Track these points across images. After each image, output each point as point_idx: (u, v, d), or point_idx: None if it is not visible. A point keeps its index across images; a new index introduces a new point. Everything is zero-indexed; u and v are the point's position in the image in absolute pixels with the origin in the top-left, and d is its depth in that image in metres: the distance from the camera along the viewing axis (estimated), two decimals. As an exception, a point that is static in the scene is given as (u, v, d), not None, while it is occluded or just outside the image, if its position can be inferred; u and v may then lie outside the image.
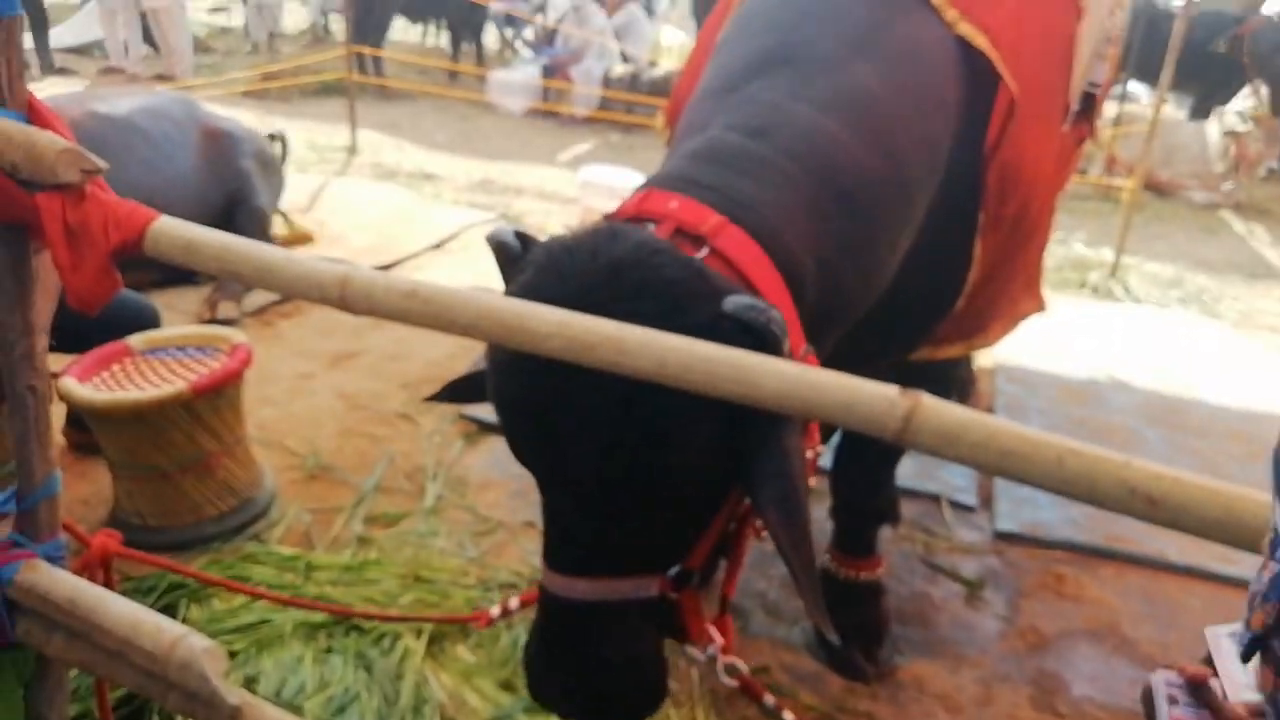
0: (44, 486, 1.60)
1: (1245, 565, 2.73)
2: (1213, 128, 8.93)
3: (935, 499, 3.05)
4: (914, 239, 1.63)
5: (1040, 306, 2.12)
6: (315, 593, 2.32)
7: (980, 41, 1.59)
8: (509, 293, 1.27)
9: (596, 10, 9.51)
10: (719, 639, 1.46)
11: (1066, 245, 6.31)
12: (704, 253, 1.24)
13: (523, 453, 1.32)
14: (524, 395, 1.22)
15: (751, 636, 2.40)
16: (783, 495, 1.19)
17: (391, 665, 2.07)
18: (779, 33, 1.59)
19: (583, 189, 5.24)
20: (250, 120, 5.44)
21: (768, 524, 1.21)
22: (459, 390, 1.62)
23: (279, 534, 2.64)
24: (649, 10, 10.92)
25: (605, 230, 1.24)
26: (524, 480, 3.02)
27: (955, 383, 2.19)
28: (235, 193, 3.86)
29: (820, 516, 2.89)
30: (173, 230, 1.27)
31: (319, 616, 2.20)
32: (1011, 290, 1.96)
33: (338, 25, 11.57)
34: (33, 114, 1.33)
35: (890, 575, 2.53)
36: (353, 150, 7.01)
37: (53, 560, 1.61)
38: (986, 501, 3.10)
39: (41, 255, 1.43)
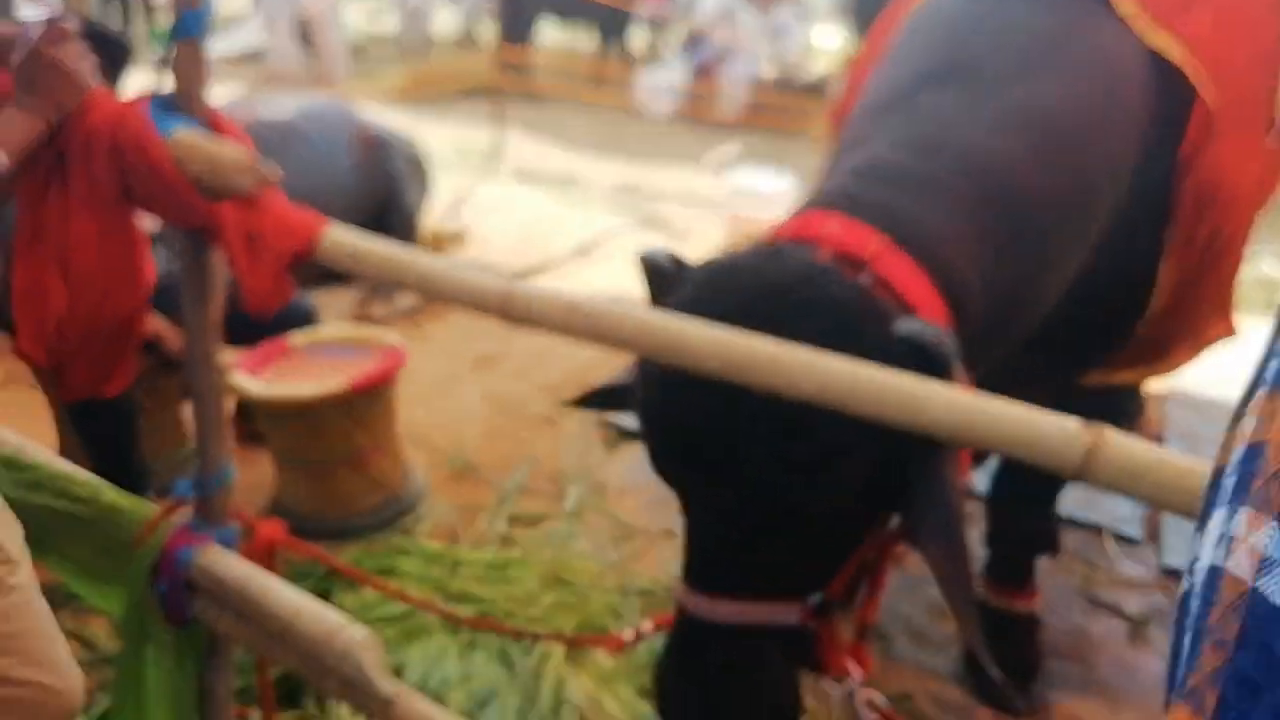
0: (220, 475, 1.70)
1: None
2: None
3: (1097, 530, 2.87)
4: (1092, 259, 1.54)
5: (1230, 332, 1.96)
6: (460, 588, 2.39)
7: (1175, 53, 1.48)
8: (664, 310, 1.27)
9: (747, 12, 9.45)
10: (857, 671, 1.41)
11: (1253, 262, 5.86)
12: (865, 276, 1.20)
13: (668, 468, 1.31)
14: (675, 411, 1.22)
15: (895, 661, 2.32)
16: (944, 526, 1.15)
17: (532, 665, 2.11)
18: (952, 45, 1.52)
19: (730, 194, 5.22)
20: (401, 123, 5.68)
21: (927, 555, 1.16)
22: (601, 398, 1.63)
23: (425, 529, 2.73)
24: (803, 10, 10.76)
25: (768, 251, 1.23)
26: (663, 489, 2.98)
27: (1126, 408, 2.06)
28: (387, 195, 4.03)
29: (972, 541, 2.78)
30: (342, 239, 1.33)
31: (464, 610, 2.27)
32: (1199, 314, 1.82)
33: (486, 28, 11.93)
34: (212, 123, 1.41)
35: (1047, 608, 2.40)
36: (498, 153, 7.21)
37: (226, 545, 1.72)
38: (1153, 534, 2.90)
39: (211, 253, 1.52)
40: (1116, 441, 0.85)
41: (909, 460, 1.15)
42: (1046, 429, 0.88)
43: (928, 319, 1.19)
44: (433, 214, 4.85)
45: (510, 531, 2.73)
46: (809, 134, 9.09)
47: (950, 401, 0.93)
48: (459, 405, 3.47)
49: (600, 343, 1.15)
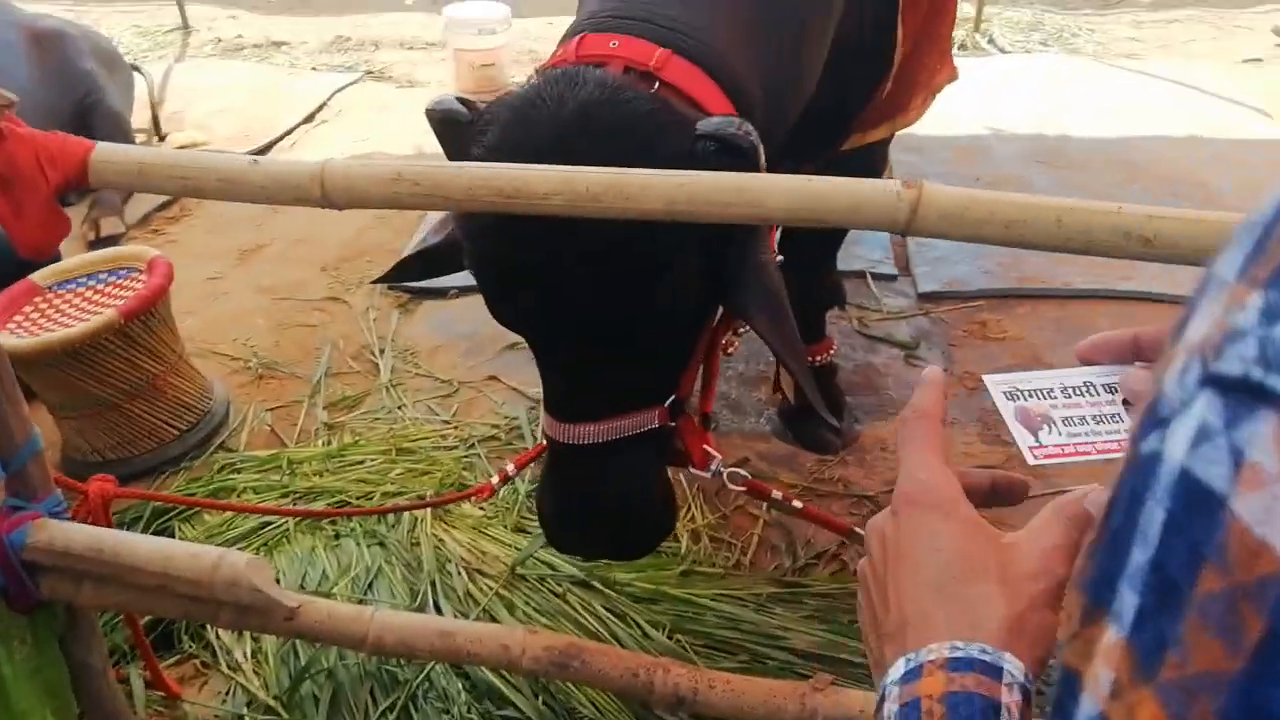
0: (27, 445, 1.57)
1: (1141, 280, 3.00)
2: None
3: (861, 274, 3.20)
4: (840, 32, 1.65)
5: (954, 75, 2.18)
6: (304, 486, 2.35)
7: None
8: (475, 157, 1.26)
9: None
10: (716, 454, 1.56)
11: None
12: (655, 87, 1.25)
13: (514, 313, 1.34)
14: (516, 255, 1.23)
15: (723, 435, 2.54)
16: (770, 305, 1.27)
17: (403, 536, 2.16)
18: None
19: (448, 30, 4.97)
20: (58, 10, 4.92)
21: (759, 328, 1.29)
22: (411, 267, 1.61)
23: (245, 439, 2.63)
24: None
25: (560, 77, 1.23)
26: (472, 338, 3.06)
27: (880, 163, 2.27)
28: (84, 98, 3.55)
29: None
30: (117, 157, 1.21)
31: (317, 505, 2.25)
32: (929, 64, 2.01)
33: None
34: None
35: (837, 353, 2.69)
36: (186, 28, 6.43)
37: (56, 515, 1.61)
38: (905, 268, 3.27)
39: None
40: (935, 193, 0.97)
41: (726, 250, 1.25)
42: (873, 194, 0.99)
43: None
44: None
45: (334, 418, 2.69)
46: None
47: (786, 189, 1.02)
48: (236, 305, 3.27)
49: (435, 207, 1.15)
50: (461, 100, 1.35)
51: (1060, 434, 0.58)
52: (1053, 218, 0.96)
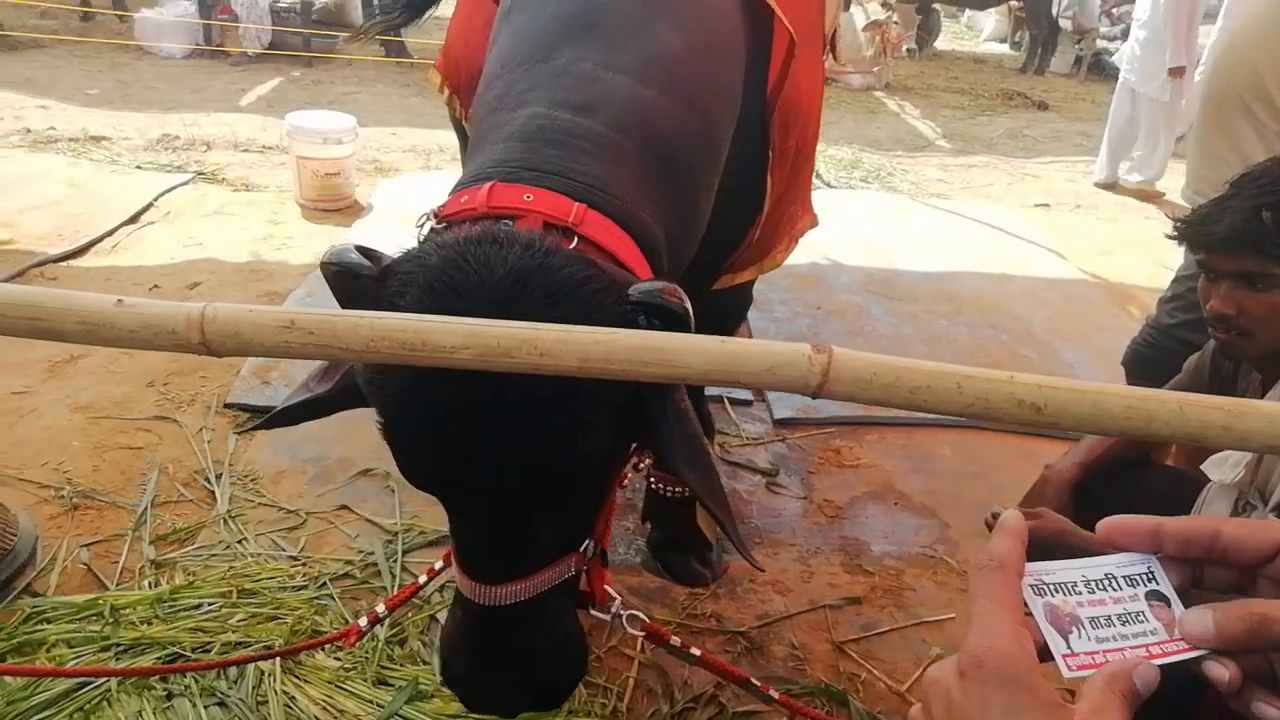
0: None
1: (974, 407, 3.21)
2: (858, 16, 9.85)
3: (719, 400, 3.27)
4: (719, 183, 1.72)
5: (815, 222, 2.31)
6: (129, 636, 2.11)
7: None
8: None
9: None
10: (616, 596, 1.52)
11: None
12: (574, 243, 1.24)
13: (430, 471, 1.25)
14: (433, 412, 1.15)
15: (590, 567, 2.49)
16: (693, 454, 1.26)
17: (248, 694, 1.95)
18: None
19: (291, 137, 4.86)
20: None
21: (686, 480, 1.28)
22: (294, 417, 1.48)
23: (56, 581, 2.34)
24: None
25: (483, 236, 1.17)
26: (320, 463, 2.89)
27: (744, 304, 2.35)
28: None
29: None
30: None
31: (145, 661, 2.02)
32: (792, 212, 2.12)
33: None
34: None
35: (702, 482, 2.71)
36: (-12, 118, 6.00)
37: None
38: (759, 393, 3.38)
39: None
40: (844, 357, 1.00)
41: (649, 403, 1.24)
42: (787, 357, 1.01)
43: (638, 272, 1.27)
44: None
45: (163, 554, 2.44)
46: (433, 85, 8.72)
47: (701, 349, 1.02)
48: (47, 425, 2.96)
49: (330, 358, 1.08)
50: (362, 250, 1.27)
51: (1090, 639, 0.58)
52: (953, 384, 1.00)
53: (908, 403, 1.01)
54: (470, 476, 1.19)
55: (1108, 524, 0.64)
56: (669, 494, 2.47)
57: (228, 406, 3.09)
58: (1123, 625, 0.59)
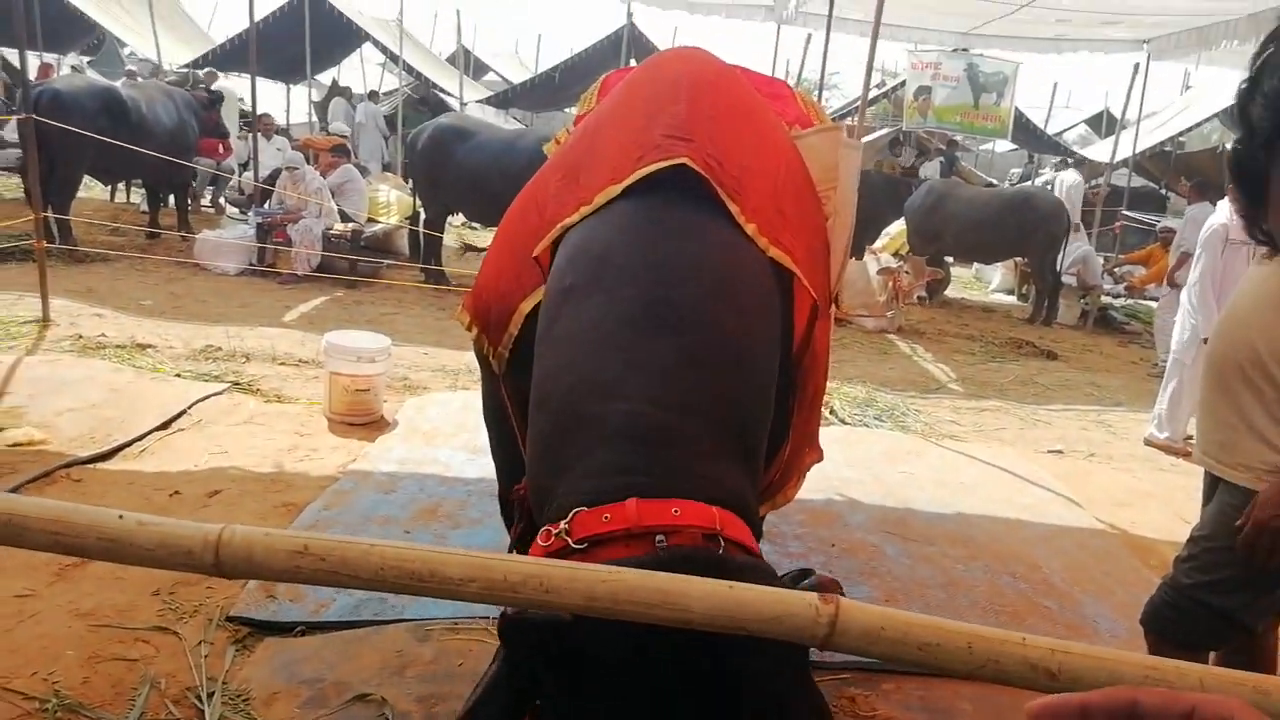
0: None
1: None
2: (871, 264, 10.40)
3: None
4: None
5: (820, 456, 2.36)
6: None
7: (787, 261, 1.78)
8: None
9: (311, 170, 9.43)
10: None
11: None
12: (721, 548, 1.29)
13: None
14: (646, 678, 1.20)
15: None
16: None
17: None
18: (641, 284, 1.58)
19: (327, 354, 5.07)
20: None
21: None
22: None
23: (26, 802, 2.23)
24: (362, 171, 10.99)
25: (678, 560, 1.22)
26: (316, 685, 2.81)
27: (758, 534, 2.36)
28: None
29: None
30: (-5, 500, 1.12)
31: None
32: (803, 449, 2.18)
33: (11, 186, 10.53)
34: None
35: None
36: (45, 322, 6.31)
37: None
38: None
39: None
40: (851, 609, 1.01)
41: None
42: (794, 607, 1.01)
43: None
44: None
45: (141, 779, 2.33)
46: (461, 324, 9.23)
47: (709, 593, 1.03)
48: (44, 631, 2.91)
49: (339, 584, 1.09)
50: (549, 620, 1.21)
51: None
52: (964, 644, 1.00)
53: (917, 660, 1.01)
54: None
55: (1036, 707, 0.65)
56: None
57: (230, 620, 3.04)
58: None
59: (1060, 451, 6.25)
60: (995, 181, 15.70)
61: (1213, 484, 2.51)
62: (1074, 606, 3.72)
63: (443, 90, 16.76)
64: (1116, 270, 12.30)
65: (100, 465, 4.22)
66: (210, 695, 2.66)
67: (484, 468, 2.77)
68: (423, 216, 9.83)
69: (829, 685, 3.01)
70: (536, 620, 1.17)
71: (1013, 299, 13.33)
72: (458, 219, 11.88)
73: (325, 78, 19.19)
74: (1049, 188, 11.30)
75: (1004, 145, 19.04)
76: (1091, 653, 0.99)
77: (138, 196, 12.21)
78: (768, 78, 3.00)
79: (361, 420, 5.09)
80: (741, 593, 1.04)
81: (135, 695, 2.64)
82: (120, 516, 1.11)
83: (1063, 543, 4.35)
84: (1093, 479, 5.62)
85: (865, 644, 1.00)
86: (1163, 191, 17.35)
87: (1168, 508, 5.00)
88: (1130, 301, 12.71)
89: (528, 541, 2.04)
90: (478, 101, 17.04)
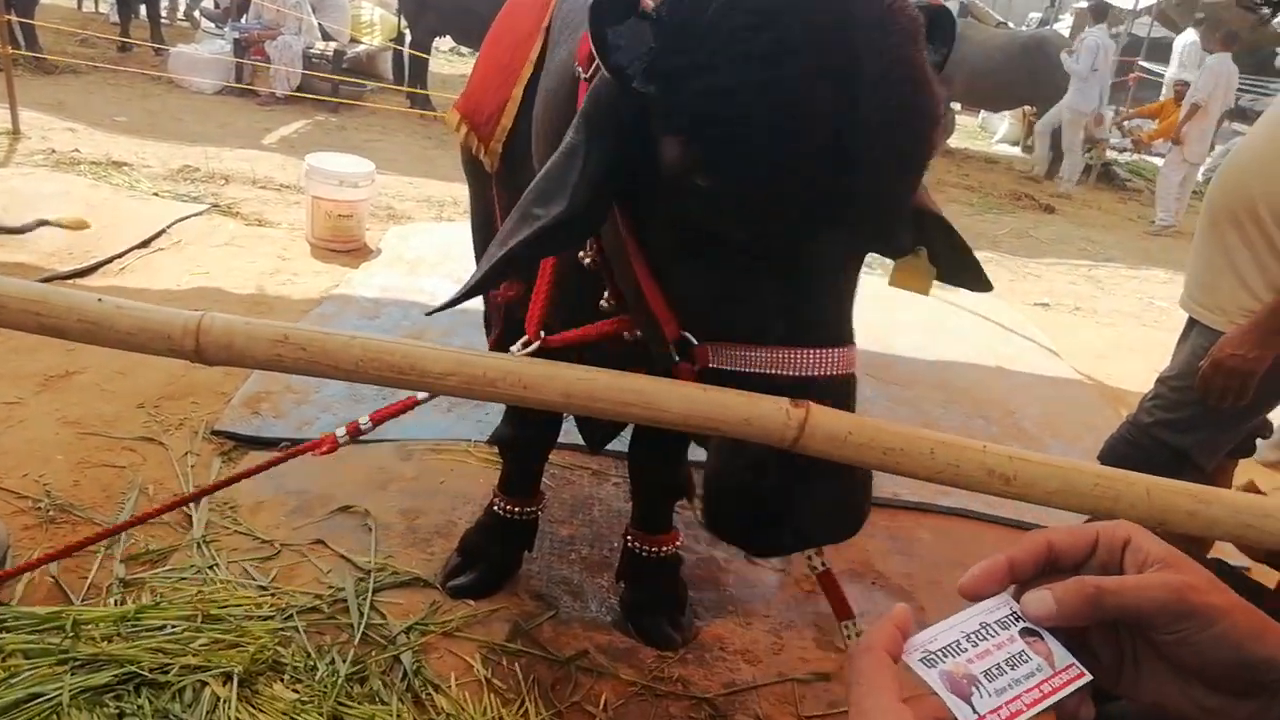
0: None
1: (959, 497, 3.21)
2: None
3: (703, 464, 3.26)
4: None
5: None
6: (88, 651, 2.08)
7: None
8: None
9: (291, -18, 8.94)
10: None
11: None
12: None
13: (810, 211, 1.08)
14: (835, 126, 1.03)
15: (563, 622, 2.47)
16: None
17: (201, 717, 1.92)
18: None
19: (309, 177, 4.95)
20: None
21: None
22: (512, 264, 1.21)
23: (21, 591, 2.32)
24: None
25: None
26: (301, 496, 2.89)
27: None
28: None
29: (609, 496, 3.02)
30: (-38, 280, 1.10)
31: (101, 677, 1.99)
32: None
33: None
34: None
35: (682, 545, 2.70)
36: (15, 134, 6.11)
37: None
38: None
39: None
40: (822, 414, 1.02)
41: None
42: (766, 411, 1.03)
43: None
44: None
45: (133, 574, 2.42)
46: (366, 111, 8.93)
47: (685, 396, 1.04)
48: (32, 436, 2.96)
49: (319, 374, 1.10)
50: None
51: (990, 694, 0.59)
52: (926, 449, 1.02)
53: (880, 463, 1.03)
54: (844, 193, 1.07)
55: (966, 581, 0.67)
56: (645, 554, 2.46)
57: (215, 434, 3.09)
58: (1012, 670, 0.61)
59: (1047, 304, 6.29)
60: (1010, 25, 15.06)
61: (1189, 329, 2.54)
62: (1041, 449, 3.82)
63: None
64: (1126, 124, 12.00)
65: (80, 281, 4.18)
66: (199, 501, 2.73)
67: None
68: (408, 38, 9.41)
69: (799, 513, 3.12)
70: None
71: (1017, 150, 13.08)
72: (445, 43, 11.39)
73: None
74: (1075, 52, 10.70)
75: (1020, -13, 18.22)
76: (1047, 461, 1.01)
77: (106, 5, 11.62)
78: None
79: (344, 247, 5.03)
80: (715, 394, 1.05)
81: (124, 499, 2.71)
82: (100, 300, 1.10)
83: (1039, 391, 4.44)
84: (1076, 332, 5.68)
85: (832, 447, 1.02)
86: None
87: (1146, 361, 5.07)
88: (1136, 157, 12.49)
89: (504, 345, 2.04)
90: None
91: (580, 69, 1.37)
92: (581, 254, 1.47)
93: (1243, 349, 2.21)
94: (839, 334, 1.14)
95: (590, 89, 1.23)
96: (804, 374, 1.09)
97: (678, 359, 1.19)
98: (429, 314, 1.41)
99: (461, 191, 5.94)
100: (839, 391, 1.11)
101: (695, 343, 1.16)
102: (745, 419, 1.03)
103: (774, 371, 1.09)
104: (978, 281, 1.59)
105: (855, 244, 1.16)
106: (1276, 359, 2.22)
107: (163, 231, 4.85)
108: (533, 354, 1.43)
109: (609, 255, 1.39)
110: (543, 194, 1.17)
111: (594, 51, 1.10)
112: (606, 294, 1.50)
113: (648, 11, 1.09)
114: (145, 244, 4.69)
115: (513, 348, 1.44)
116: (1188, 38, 12.43)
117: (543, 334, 1.54)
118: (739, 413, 1.03)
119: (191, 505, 2.71)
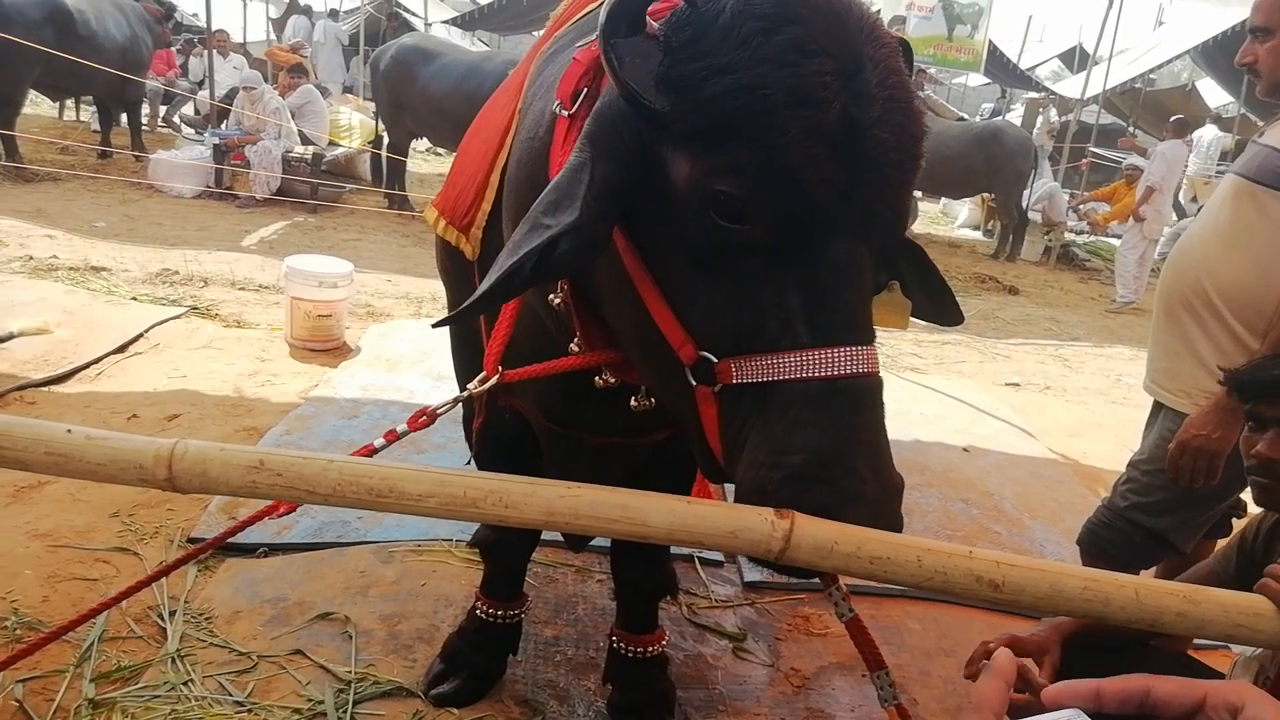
0: None
1: (945, 582, 3.20)
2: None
3: (689, 559, 3.24)
4: None
5: None
6: (56, 781, 2.00)
7: None
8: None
9: (270, 90, 9.15)
10: None
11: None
12: None
13: (830, 209, 1.12)
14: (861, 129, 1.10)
15: (548, 729, 2.41)
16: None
17: None
18: None
19: (288, 278, 4.99)
20: None
21: None
22: (511, 284, 1.21)
23: (-13, 717, 2.24)
24: (323, 92, 10.67)
25: None
26: (279, 604, 2.83)
27: None
28: None
29: (593, 594, 2.98)
30: (-60, 412, 1.10)
31: (69, 809, 1.91)
32: None
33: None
34: None
35: (669, 642, 2.66)
36: (-8, 243, 6.14)
37: None
38: (732, 555, 3.35)
39: None
40: (807, 523, 1.03)
41: None
42: (751, 523, 1.03)
43: None
44: None
45: (103, 693, 2.34)
46: (345, 212, 9.06)
47: (669, 509, 1.05)
48: (1, 551, 2.89)
49: (297, 499, 1.10)
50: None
51: None
52: (913, 557, 1.03)
53: (868, 573, 1.03)
54: (867, 199, 1.14)
55: (1054, 690, 0.66)
56: (631, 655, 2.42)
57: (190, 541, 3.04)
58: None
59: (1017, 384, 6.37)
60: (966, 116, 15.62)
61: (1156, 412, 2.58)
62: (1022, 531, 3.83)
63: (407, 9, 16.25)
64: (1081, 207, 12.39)
65: (55, 388, 4.15)
66: (172, 614, 2.67)
67: (449, 394, 2.75)
68: (386, 141, 9.61)
69: (783, 605, 3.09)
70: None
71: (979, 234, 13.41)
72: (422, 144, 11.64)
73: (283, -7, 18.50)
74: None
75: (976, 79, 18.93)
76: (1034, 565, 1.02)
77: (88, 114, 11.81)
78: None
79: (323, 346, 5.04)
80: (699, 508, 1.05)
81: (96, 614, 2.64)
82: (69, 431, 1.10)
83: (1015, 471, 4.46)
84: (1047, 411, 5.74)
85: (819, 558, 1.02)
86: (1130, 129, 17.41)
87: (1118, 439, 5.13)
88: (1093, 238, 12.84)
89: (485, 434, 2.00)
90: (443, 22, 16.54)
91: (560, 106, 1.41)
92: (551, 295, 1.47)
93: (1206, 429, 2.25)
94: (865, 333, 1.15)
95: (594, 112, 1.25)
96: (835, 374, 1.10)
97: (694, 383, 1.18)
98: (435, 325, 1.39)
99: (440, 287, 6.01)
100: (869, 394, 1.13)
101: (715, 360, 1.16)
102: (731, 531, 1.03)
103: (804, 375, 1.09)
104: (951, 314, 1.60)
105: (871, 239, 1.18)
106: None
107: (140, 335, 4.84)
108: (491, 390, 1.41)
109: (601, 291, 1.38)
110: (552, 205, 1.18)
111: (606, 69, 1.14)
112: (577, 338, 1.49)
113: (653, 33, 1.15)
114: (122, 349, 4.68)
115: (470, 385, 1.42)
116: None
117: (500, 368, 1.51)
118: (724, 525, 1.03)
119: (166, 618, 2.65)
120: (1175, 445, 2.31)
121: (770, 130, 1.07)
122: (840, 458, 1.08)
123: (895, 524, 1.11)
